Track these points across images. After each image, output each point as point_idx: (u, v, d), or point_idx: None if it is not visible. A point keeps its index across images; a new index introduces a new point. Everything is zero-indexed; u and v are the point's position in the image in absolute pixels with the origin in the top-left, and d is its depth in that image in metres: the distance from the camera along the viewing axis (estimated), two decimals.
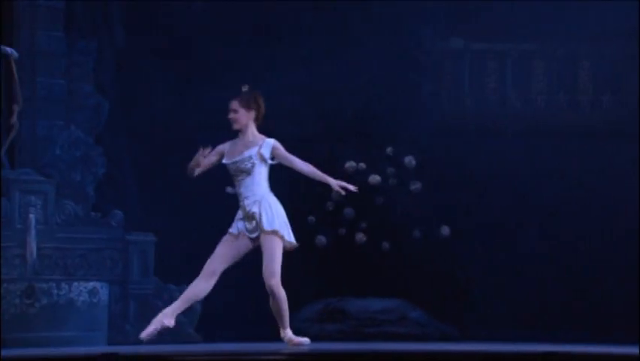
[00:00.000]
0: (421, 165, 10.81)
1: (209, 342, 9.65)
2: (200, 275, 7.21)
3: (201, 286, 7.20)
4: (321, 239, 10.79)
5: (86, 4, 10.85)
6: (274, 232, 6.97)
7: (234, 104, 7.06)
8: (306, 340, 7.34)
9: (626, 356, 5.91)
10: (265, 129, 10.77)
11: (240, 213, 7.06)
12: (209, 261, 7.21)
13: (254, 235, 7.03)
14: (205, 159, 7.04)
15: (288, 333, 7.33)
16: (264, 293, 10.36)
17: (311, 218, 10.77)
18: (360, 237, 10.78)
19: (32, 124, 10.48)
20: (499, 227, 10.59)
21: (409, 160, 10.81)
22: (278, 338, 9.10)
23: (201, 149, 7.01)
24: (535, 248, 10.58)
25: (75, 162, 10.54)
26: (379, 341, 9.40)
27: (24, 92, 9.98)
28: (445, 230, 10.68)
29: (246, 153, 6.95)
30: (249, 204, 6.94)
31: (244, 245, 7.11)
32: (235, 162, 6.96)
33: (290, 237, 7.13)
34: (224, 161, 7.02)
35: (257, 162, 6.95)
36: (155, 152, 10.55)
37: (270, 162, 7.03)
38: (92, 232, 9.90)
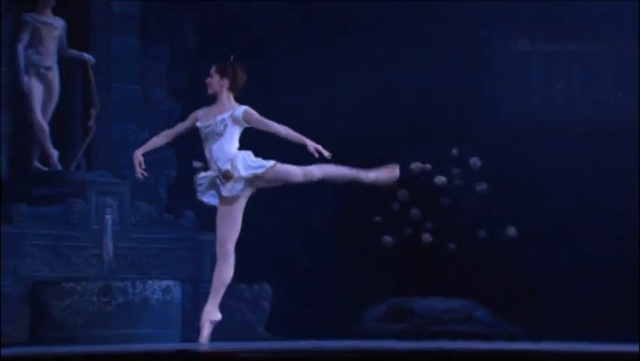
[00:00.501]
0: (487, 165, 10.85)
1: (278, 340, 9.81)
2: (219, 260, 7.25)
3: (226, 270, 7.22)
4: (387, 239, 10.91)
5: (159, 10, 11.13)
6: (257, 176, 7.02)
7: (212, 70, 7.21)
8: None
9: None
10: (331, 130, 10.97)
11: (209, 173, 7.06)
12: (217, 244, 7.24)
13: (236, 190, 7.02)
14: (180, 125, 7.24)
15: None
16: (331, 292, 10.56)
17: (377, 218, 10.89)
18: (426, 237, 10.87)
19: (108, 128, 10.78)
20: (564, 228, 10.58)
21: (475, 161, 10.86)
22: (346, 336, 9.27)
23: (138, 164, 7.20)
24: (601, 249, 10.55)
25: (148, 165, 10.77)
26: (445, 340, 9.45)
27: (100, 97, 10.36)
28: (512, 231, 10.71)
29: (219, 117, 7.06)
30: (222, 164, 7.00)
31: (235, 209, 7.10)
32: (208, 126, 7.07)
33: (267, 163, 7.09)
34: (197, 124, 7.12)
35: (229, 123, 7.04)
36: None
37: (242, 124, 7.06)
38: (165, 232, 10.10)
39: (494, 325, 10.42)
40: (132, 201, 10.04)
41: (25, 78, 9.94)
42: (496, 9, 10.89)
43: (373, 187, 8.04)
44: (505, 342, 9.40)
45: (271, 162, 7.11)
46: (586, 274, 10.49)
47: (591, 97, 11.09)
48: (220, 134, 7.02)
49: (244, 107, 7.12)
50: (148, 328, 9.08)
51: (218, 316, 7.20)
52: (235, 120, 7.04)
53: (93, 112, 10.25)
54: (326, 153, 7.17)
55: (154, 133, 10.75)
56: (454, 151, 10.87)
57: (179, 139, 10.98)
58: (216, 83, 7.16)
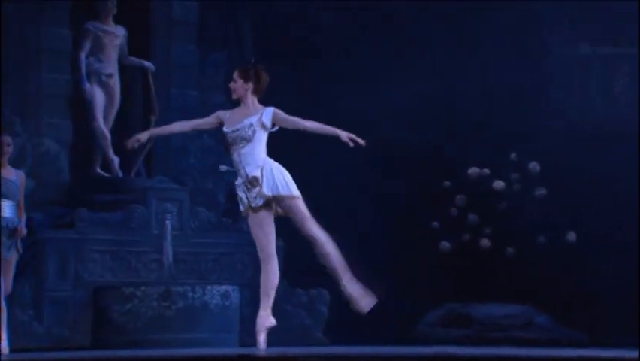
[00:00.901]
0: (546, 170, 10.76)
1: (337, 345, 9.83)
2: (263, 265, 7.13)
3: (272, 274, 7.12)
4: (445, 245, 10.87)
5: (217, 17, 11.25)
6: (295, 196, 6.89)
7: (235, 74, 7.07)
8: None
9: None
10: (389, 136, 10.99)
11: (238, 181, 6.96)
12: (258, 250, 7.08)
13: (258, 203, 6.88)
14: (200, 121, 7.08)
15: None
16: (388, 297, 10.54)
17: (435, 224, 10.86)
18: (485, 242, 10.81)
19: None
20: (625, 232, 10.44)
21: (534, 166, 10.79)
22: (404, 342, 9.24)
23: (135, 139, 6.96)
24: None
25: (207, 170, 10.91)
26: (505, 346, 9.39)
27: (159, 104, 10.50)
28: (571, 236, 10.61)
29: (246, 121, 6.88)
30: (251, 170, 6.84)
31: (264, 216, 6.95)
32: (236, 130, 6.87)
33: (293, 190, 6.91)
34: (224, 129, 6.93)
35: (257, 128, 6.87)
36: (282, 160, 10.81)
37: (270, 129, 6.93)
38: (224, 237, 10.17)
39: (555, 331, 10.33)
40: (191, 206, 10.14)
41: (87, 86, 10.09)
42: (557, 12, 10.81)
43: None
44: (567, 349, 9.32)
45: (297, 193, 6.93)
46: None
47: None
48: (249, 140, 6.86)
49: (271, 109, 6.97)
50: (207, 332, 9.16)
51: (272, 321, 7.14)
52: (263, 125, 6.90)
53: (153, 119, 10.37)
54: (361, 142, 6.98)
55: (212, 138, 11.00)
56: (513, 155, 10.81)
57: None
58: (240, 87, 7.01)
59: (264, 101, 11.23)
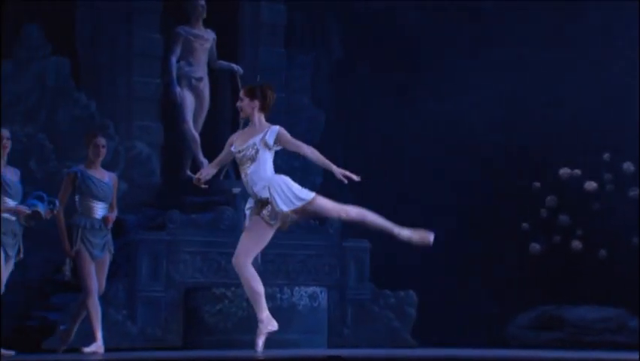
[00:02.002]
0: None
1: (426, 347, 9.80)
2: (239, 276, 7.06)
3: (251, 282, 7.01)
4: (535, 246, 10.75)
5: (305, 19, 11.31)
6: (297, 210, 6.81)
7: (241, 93, 7.04)
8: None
9: None
10: (477, 137, 10.90)
11: (249, 203, 6.92)
12: (235, 255, 7.02)
13: (273, 221, 6.83)
14: (221, 154, 7.04)
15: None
16: (478, 299, 10.47)
17: (525, 225, 10.74)
18: (576, 244, 10.65)
19: None
20: None
21: (628, 166, 10.59)
22: (494, 344, 9.15)
23: (196, 179, 7.08)
24: None
25: (294, 172, 10.95)
26: (598, 350, 9.25)
27: None
28: None
29: (250, 141, 6.87)
30: (259, 190, 6.80)
31: (266, 230, 6.89)
32: (240, 151, 6.88)
33: (307, 196, 6.84)
34: (231, 149, 6.95)
35: (260, 148, 6.84)
36: (369, 161, 10.83)
37: (274, 148, 6.87)
38: (311, 238, 10.21)
39: None
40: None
41: (178, 89, 10.22)
42: None
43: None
44: None
45: (310, 195, 6.88)
46: None
47: None
48: (253, 159, 6.84)
49: (276, 128, 6.91)
50: (296, 333, 9.20)
51: (275, 325, 7.05)
52: (266, 144, 6.84)
53: (242, 121, 10.45)
54: (355, 178, 6.87)
55: (299, 140, 11.06)
56: (606, 156, 10.63)
57: (323, 147, 11.21)
58: (247, 105, 6.96)
59: (353, 101, 11.32)
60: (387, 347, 9.77)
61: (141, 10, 10.64)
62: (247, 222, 6.96)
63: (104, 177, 7.94)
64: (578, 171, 10.65)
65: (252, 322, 9.17)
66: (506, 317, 10.52)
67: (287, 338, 9.18)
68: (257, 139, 6.87)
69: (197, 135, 10.32)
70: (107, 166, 9.17)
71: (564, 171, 10.70)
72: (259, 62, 11.02)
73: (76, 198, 7.84)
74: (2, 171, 7.66)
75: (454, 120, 10.87)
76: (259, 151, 6.84)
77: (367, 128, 10.98)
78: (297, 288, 9.39)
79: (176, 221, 9.69)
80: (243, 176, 6.93)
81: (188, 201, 10.04)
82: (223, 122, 10.95)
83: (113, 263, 8.14)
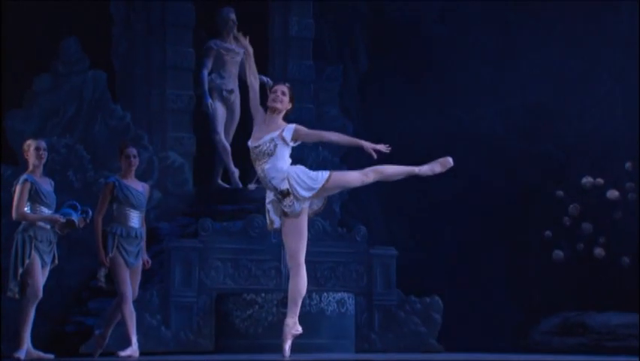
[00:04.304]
0: None
1: (452, 352, 9.91)
2: (291, 273, 7.09)
3: (300, 281, 7.07)
4: (559, 254, 10.86)
5: (333, 33, 11.51)
6: (317, 193, 6.85)
7: (284, 89, 7.07)
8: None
9: None
10: (502, 145, 11.01)
11: (269, 196, 6.93)
12: (288, 257, 7.06)
13: (297, 210, 6.85)
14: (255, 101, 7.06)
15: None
16: (503, 305, 10.59)
17: (547, 233, 10.85)
18: (599, 251, 10.75)
19: None
20: None
21: None
22: (518, 350, 9.26)
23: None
24: None
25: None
26: (621, 356, 9.34)
27: None
28: None
29: (267, 137, 6.88)
30: (278, 183, 6.83)
31: (299, 222, 6.90)
32: (257, 146, 6.89)
33: (323, 176, 6.91)
34: (248, 143, 6.96)
35: (279, 143, 6.86)
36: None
37: (291, 144, 6.89)
38: (339, 246, 10.36)
39: None
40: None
41: (210, 101, 10.41)
42: None
43: None
44: None
45: (326, 174, 6.93)
46: None
47: None
48: (271, 154, 6.86)
49: (293, 126, 6.94)
50: (324, 338, 9.34)
51: (299, 329, 7.11)
52: (284, 140, 6.87)
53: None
54: (385, 149, 6.88)
55: (327, 150, 11.25)
56: (628, 165, 10.72)
57: (351, 157, 11.40)
58: (286, 103, 7.03)
59: (380, 111, 11.45)
60: (414, 352, 9.88)
61: (174, 24, 10.88)
62: (271, 217, 6.95)
63: (138, 187, 8.11)
64: (600, 180, 10.75)
65: (281, 327, 9.38)
66: (530, 323, 10.63)
67: (315, 343, 9.33)
68: (274, 134, 6.89)
69: (228, 145, 10.49)
70: (141, 175, 9.43)
71: (587, 180, 10.81)
72: (288, 74, 11.20)
73: (114, 206, 8.01)
74: (38, 181, 7.91)
75: (479, 129, 11.01)
76: (277, 146, 6.87)
77: (394, 138, 11.09)
78: (325, 294, 9.51)
79: (208, 229, 9.87)
80: (259, 171, 6.94)
81: (219, 209, 10.23)
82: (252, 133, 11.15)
83: (147, 270, 8.28)
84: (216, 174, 10.59)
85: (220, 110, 10.45)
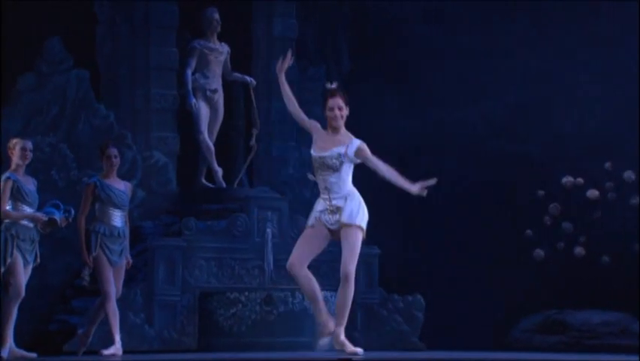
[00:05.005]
0: None
1: (433, 350, 9.97)
2: (303, 277, 7.20)
3: (313, 282, 7.17)
4: (539, 253, 10.95)
5: (316, 33, 11.56)
6: (358, 226, 6.85)
7: (339, 102, 6.85)
8: (359, 350, 6.97)
9: None
10: (483, 145, 11.11)
11: (320, 206, 6.86)
12: (297, 260, 7.12)
13: (334, 227, 6.86)
14: (302, 114, 6.98)
15: (340, 331, 6.95)
16: (484, 304, 10.66)
17: (528, 232, 10.95)
18: (579, 250, 10.85)
19: (268, 145, 11.26)
20: None
21: (629, 175, 10.79)
22: (499, 348, 9.34)
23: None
24: None
25: (306, 180, 11.17)
26: (602, 353, 9.42)
27: (261, 117, 10.83)
28: None
29: (335, 150, 6.73)
30: (335, 198, 6.75)
31: (323, 236, 7.01)
32: (322, 157, 6.74)
33: (364, 224, 6.88)
34: (311, 152, 6.82)
35: (344, 160, 6.73)
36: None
37: (354, 162, 6.79)
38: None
39: None
40: (291, 215, 10.39)
41: (193, 101, 10.45)
42: None
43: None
44: None
45: (364, 226, 6.89)
46: None
47: None
48: (335, 169, 6.74)
49: (357, 143, 6.79)
50: (308, 336, 9.38)
51: (332, 326, 7.10)
52: (349, 159, 6.76)
53: (254, 131, 10.67)
54: (432, 182, 6.83)
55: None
56: (608, 165, 10.83)
57: None
58: (344, 113, 6.88)
59: (363, 112, 11.50)
60: (396, 350, 9.96)
61: (158, 24, 10.91)
62: (312, 223, 6.93)
63: (121, 186, 8.14)
64: (580, 180, 10.85)
65: (264, 325, 9.47)
66: (511, 321, 10.71)
67: (299, 341, 9.42)
68: (342, 150, 6.74)
69: (211, 145, 10.53)
70: (125, 175, 9.47)
71: (567, 180, 10.91)
72: (271, 74, 11.21)
73: (96, 206, 8.05)
74: (21, 179, 7.92)
75: (460, 129, 11.08)
76: (343, 163, 6.75)
77: (377, 138, 11.14)
78: None
79: (192, 228, 9.91)
80: (320, 181, 6.81)
81: (203, 208, 10.27)
82: (237, 133, 11.20)
83: (131, 268, 8.33)
84: (200, 174, 10.63)
85: (204, 110, 10.50)
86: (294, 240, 10.30)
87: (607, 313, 10.47)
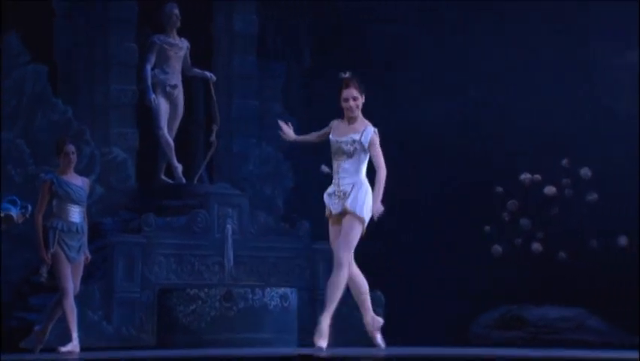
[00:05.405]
0: (597, 175, 10.88)
1: (393, 346, 10.02)
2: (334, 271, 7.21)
3: (341, 281, 7.23)
4: (497, 249, 11.05)
5: (276, 30, 11.56)
6: (358, 216, 6.90)
7: (353, 92, 6.94)
8: (323, 346, 7.05)
9: None
10: (442, 142, 11.18)
11: (330, 189, 6.97)
12: (334, 255, 7.15)
13: (337, 211, 6.94)
14: (322, 131, 7.02)
15: (324, 318, 7.09)
16: (443, 299, 10.74)
17: (487, 228, 11.04)
18: (537, 246, 10.97)
19: (228, 142, 11.25)
20: None
21: (585, 171, 10.92)
22: (458, 343, 9.40)
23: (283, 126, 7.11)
24: None
25: (266, 177, 11.21)
26: (558, 348, 9.53)
27: (221, 113, 10.82)
28: (623, 240, 10.72)
29: (350, 137, 6.85)
30: (345, 184, 6.85)
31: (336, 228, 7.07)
32: (339, 142, 6.85)
33: (367, 217, 6.96)
34: (330, 136, 6.92)
35: (358, 147, 6.84)
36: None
37: (367, 150, 6.85)
38: (282, 241, 10.47)
39: (607, 333, 10.44)
40: (251, 211, 10.43)
41: (153, 96, 10.42)
42: (604, 22, 10.92)
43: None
44: (618, 351, 9.41)
45: (366, 221, 6.97)
46: None
47: None
48: (349, 155, 6.85)
49: (371, 131, 6.89)
50: (267, 332, 9.42)
51: (380, 321, 7.43)
52: (362, 147, 6.86)
53: (215, 127, 10.67)
54: (379, 214, 6.95)
55: (271, 146, 11.31)
56: (565, 162, 10.95)
57: (296, 152, 11.48)
58: (360, 102, 6.96)
59: (323, 108, 11.53)
60: (356, 346, 9.98)
61: (117, 19, 10.85)
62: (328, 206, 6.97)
63: (78, 182, 8.09)
64: (538, 176, 10.96)
65: (224, 321, 9.47)
66: (470, 317, 10.80)
67: (259, 337, 9.41)
68: (356, 136, 6.84)
69: (171, 141, 10.51)
70: (83, 170, 9.40)
71: (525, 176, 11.01)
72: (232, 70, 11.24)
73: (54, 202, 8.00)
74: None
75: (420, 127, 11.15)
76: (357, 150, 6.84)
77: None
78: (268, 289, 9.56)
79: (151, 224, 9.88)
80: (335, 166, 6.92)
81: (163, 204, 10.25)
82: (197, 128, 11.18)
83: (89, 265, 8.29)
84: (159, 170, 10.60)
85: (163, 106, 10.46)
86: (254, 236, 10.45)
87: (564, 308, 10.59)
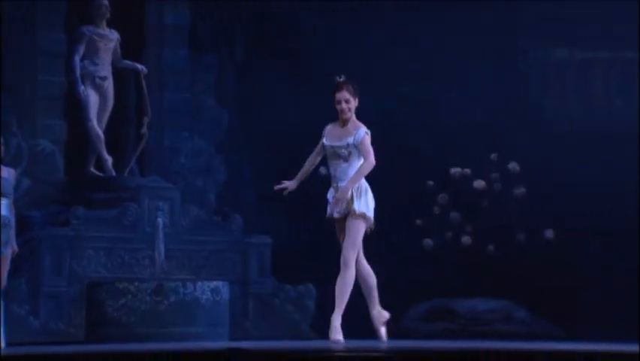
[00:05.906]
0: (525, 170, 11.06)
1: (324, 338, 10.05)
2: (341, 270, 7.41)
3: (347, 280, 7.46)
4: (428, 242, 11.16)
5: (208, 21, 11.49)
6: (362, 215, 7.19)
7: (345, 95, 7.17)
8: (340, 339, 7.32)
9: None
10: (373, 136, 11.23)
11: (330, 194, 7.22)
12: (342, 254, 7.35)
13: (341, 216, 7.20)
14: (318, 148, 7.23)
15: (336, 316, 7.39)
16: (378, 294, 10.79)
17: (418, 221, 11.15)
18: (466, 240, 11.11)
19: (160, 135, 11.16)
20: (601, 230, 10.75)
21: (514, 166, 11.09)
22: (389, 336, 9.45)
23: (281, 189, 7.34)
24: (638, 249, 10.71)
25: (198, 170, 11.15)
26: (486, 340, 9.67)
27: (152, 105, 10.73)
28: (549, 233, 10.93)
29: (344, 141, 7.11)
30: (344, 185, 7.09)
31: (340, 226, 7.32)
32: (333, 147, 7.11)
33: (370, 212, 7.28)
34: (324, 141, 7.16)
35: (352, 150, 7.10)
36: (271, 159, 11.07)
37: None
38: (214, 234, 10.43)
39: (534, 325, 10.65)
40: (182, 204, 10.39)
41: (82, 88, 10.31)
42: (533, 19, 11.10)
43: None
44: (544, 342, 9.60)
45: (369, 215, 7.26)
46: (623, 275, 10.66)
47: (629, 102, 11.23)
48: (345, 159, 7.10)
49: (362, 132, 7.11)
50: (199, 326, 9.37)
51: (386, 315, 7.61)
52: (356, 147, 7.11)
53: (146, 120, 10.60)
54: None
55: (203, 139, 11.25)
56: (493, 156, 11.11)
57: (227, 147, 11.43)
58: (352, 104, 7.19)
59: (255, 101, 11.53)
60: (288, 339, 10.01)
61: (45, 9, 10.68)
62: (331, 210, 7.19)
63: (4, 173, 7.95)
64: (467, 170, 11.11)
65: (155, 315, 9.40)
66: (400, 310, 10.88)
67: (190, 331, 9.36)
68: (350, 140, 7.09)
69: (101, 133, 10.42)
70: (10, 162, 9.22)
71: (455, 170, 11.15)
72: (163, 62, 11.15)
73: None
74: None
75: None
76: (352, 154, 7.08)
77: (267, 127, 11.20)
78: (199, 283, 9.52)
79: (80, 217, 9.79)
80: (331, 170, 7.17)
81: (92, 197, 10.14)
82: (127, 120, 11.07)
83: (16, 258, 8.18)
84: (89, 162, 10.49)
85: (93, 97, 10.36)
86: (186, 230, 10.41)
87: (493, 300, 10.75)
